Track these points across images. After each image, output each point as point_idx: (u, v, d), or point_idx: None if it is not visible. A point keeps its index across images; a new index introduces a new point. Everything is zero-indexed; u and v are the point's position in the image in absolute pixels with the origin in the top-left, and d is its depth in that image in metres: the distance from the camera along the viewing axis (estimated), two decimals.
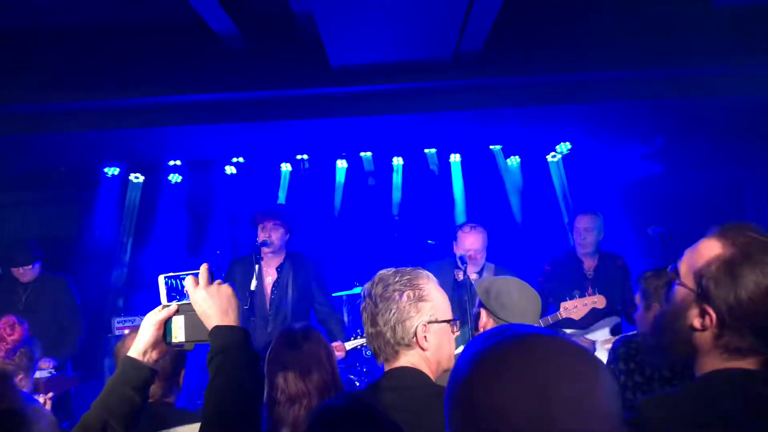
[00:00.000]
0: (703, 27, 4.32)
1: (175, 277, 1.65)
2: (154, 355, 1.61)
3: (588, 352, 0.83)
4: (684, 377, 2.11)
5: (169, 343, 1.63)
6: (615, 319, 4.46)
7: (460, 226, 4.45)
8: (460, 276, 4.25)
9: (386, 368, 1.84)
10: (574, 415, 0.76)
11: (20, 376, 2.70)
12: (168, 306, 1.63)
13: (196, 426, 2.17)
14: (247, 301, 3.89)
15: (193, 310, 1.60)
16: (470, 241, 4.26)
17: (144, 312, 1.67)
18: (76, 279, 5.22)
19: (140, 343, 1.60)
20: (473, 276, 4.20)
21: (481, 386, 0.80)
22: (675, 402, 1.35)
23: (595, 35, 4.40)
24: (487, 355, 0.82)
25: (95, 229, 6.48)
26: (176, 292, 1.65)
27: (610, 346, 2.90)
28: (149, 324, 1.60)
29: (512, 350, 0.82)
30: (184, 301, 1.62)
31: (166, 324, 1.62)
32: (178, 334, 1.62)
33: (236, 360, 1.48)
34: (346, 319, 5.41)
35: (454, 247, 4.40)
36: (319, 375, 2.11)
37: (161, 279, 1.66)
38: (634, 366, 2.52)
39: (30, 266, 4.81)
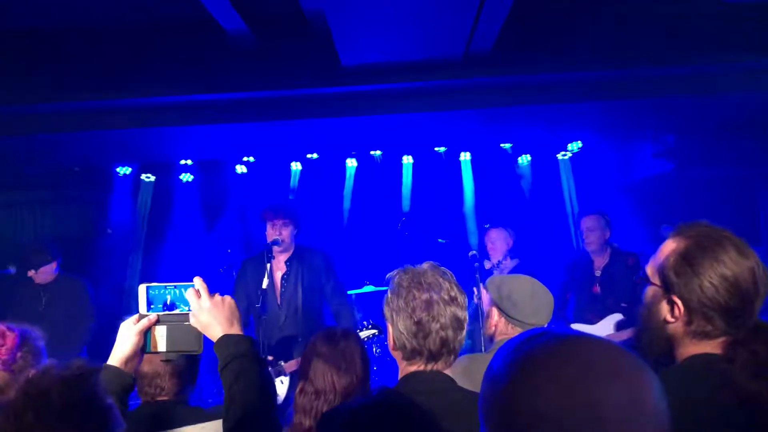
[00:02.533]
0: (714, 24, 4.30)
1: (158, 288, 1.67)
2: (134, 363, 1.64)
3: (632, 354, 0.81)
4: None
5: (148, 353, 1.66)
6: (618, 316, 4.57)
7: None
8: (487, 265, 4.98)
9: None
10: (626, 417, 0.75)
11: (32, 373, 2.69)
12: (147, 315, 1.65)
13: (210, 424, 2.20)
14: (259, 300, 3.89)
15: (175, 321, 1.63)
16: (491, 236, 5.15)
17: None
18: (88, 278, 5.25)
19: (122, 351, 1.62)
20: (487, 265, 5.05)
21: (525, 391, 0.78)
22: None
23: (605, 34, 4.38)
24: (528, 358, 0.80)
25: (107, 228, 6.52)
26: (158, 302, 1.67)
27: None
28: (131, 333, 1.62)
29: (555, 353, 0.80)
30: (166, 312, 1.65)
31: (146, 333, 1.64)
32: (159, 344, 1.65)
33: (251, 365, 1.55)
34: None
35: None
36: (348, 376, 2.14)
37: (142, 288, 1.67)
38: None
39: (44, 268, 4.82)
